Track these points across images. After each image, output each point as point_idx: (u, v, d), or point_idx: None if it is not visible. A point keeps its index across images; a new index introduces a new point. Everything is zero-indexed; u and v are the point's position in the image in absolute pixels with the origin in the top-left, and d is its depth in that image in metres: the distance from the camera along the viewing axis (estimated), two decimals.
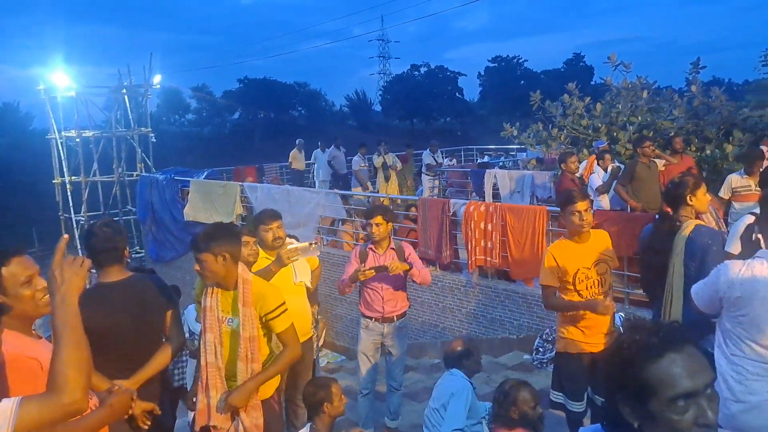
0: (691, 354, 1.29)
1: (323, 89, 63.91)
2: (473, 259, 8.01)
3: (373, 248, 4.95)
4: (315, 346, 5.51)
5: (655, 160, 7.74)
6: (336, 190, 12.23)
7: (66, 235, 2.01)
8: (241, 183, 12.59)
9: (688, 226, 3.52)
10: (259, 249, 4.32)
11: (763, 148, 7.45)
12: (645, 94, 10.63)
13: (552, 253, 3.83)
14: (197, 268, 3.06)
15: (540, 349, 7.00)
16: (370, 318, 5.02)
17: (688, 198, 3.58)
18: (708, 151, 9.44)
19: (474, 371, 4.35)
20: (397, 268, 4.59)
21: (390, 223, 5.00)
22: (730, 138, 9.29)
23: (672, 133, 9.43)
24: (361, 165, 14.76)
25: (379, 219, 4.81)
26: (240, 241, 3.27)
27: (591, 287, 3.81)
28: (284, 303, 3.22)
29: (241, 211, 11.79)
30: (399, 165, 14.64)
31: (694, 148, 9.70)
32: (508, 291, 7.92)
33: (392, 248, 4.96)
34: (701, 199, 3.60)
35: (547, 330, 7.04)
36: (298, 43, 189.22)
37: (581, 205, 3.70)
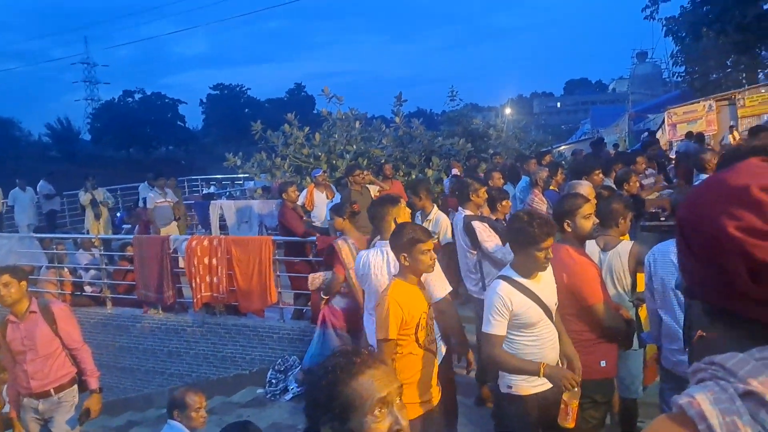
0: (387, 371, 1.50)
1: (17, 117, 55.84)
2: (199, 296, 7.59)
3: (12, 316, 4.18)
4: None
5: (368, 186, 8.25)
6: (33, 234, 10.53)
7: None
8: None
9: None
10: None
11: (455, 170, 8.51)
12: (358, 124, 11.41)
13: (395, 299, 3.19)
14: None
15: (273, 381, 6.86)
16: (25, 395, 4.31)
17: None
18: (413, 176, 10.48)
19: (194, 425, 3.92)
20: None
21: (23, 282, 4.21)
22: (431, 163, 10.45)
23: (383, 160, 10.24)
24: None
25: (6, 278, 4.07)
26: None
27: (429, 334, 3.34)
28: None
29: None
30: (111, 201, 13.24)
31: (402, 174, 10.68)
32: (239, 326, 7.67)
33: (33, 311, 4.22)
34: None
35: (279, 360, 6.96)
36: None
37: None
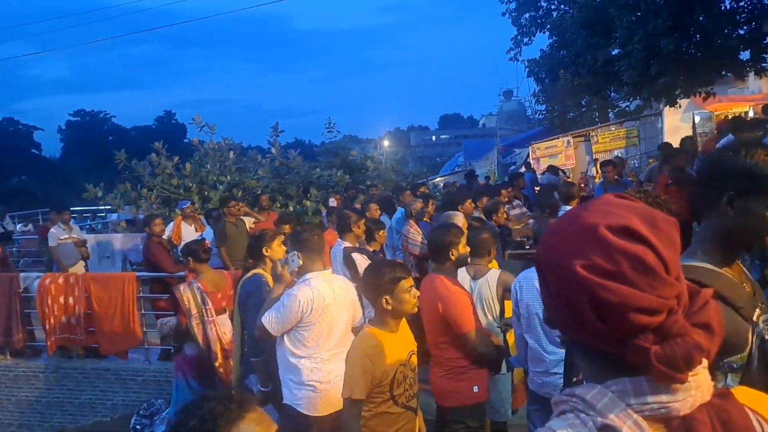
0: (264, 415, 1.40)
1: None
2: (53, 339, 6.95)
3: None
4: None
5: (244, 218, 8.00)
6: None
7: None
8: None
9: (247, 275, 3.72)
10: None
11: (332, 201, 8.48)
12: (232, 155, 11.11)
13: (367, 354, 2.76)
14: None
15: (138, 427, 6.35)
16: None
17: (264, 249, 4.14)
18: (291, 207, 10.32)
19: None
20: None
21: None
22: (309, 195, 10.36)
23: (259, 192, 10.01)
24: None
25: None
26: None
27: (409, 389, 2.93)
28: None
29: None
30: None
31: (279, 205, 10.49)
32: (99, 369, 7.11)
33: None
34: (276, 249, 4.19)
35: (145, 405, 6.46)
36: None
37: (409, 281, 2.89)
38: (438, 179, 26.50)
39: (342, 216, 5.13)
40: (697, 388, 0.82)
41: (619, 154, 20.29)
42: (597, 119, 24.96)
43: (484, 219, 5.68)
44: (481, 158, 31.80)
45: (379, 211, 7.17)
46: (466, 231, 4.76)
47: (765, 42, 12.51)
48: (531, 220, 7.65)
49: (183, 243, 7.55)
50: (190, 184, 10.76)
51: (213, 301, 4.96)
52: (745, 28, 12.56)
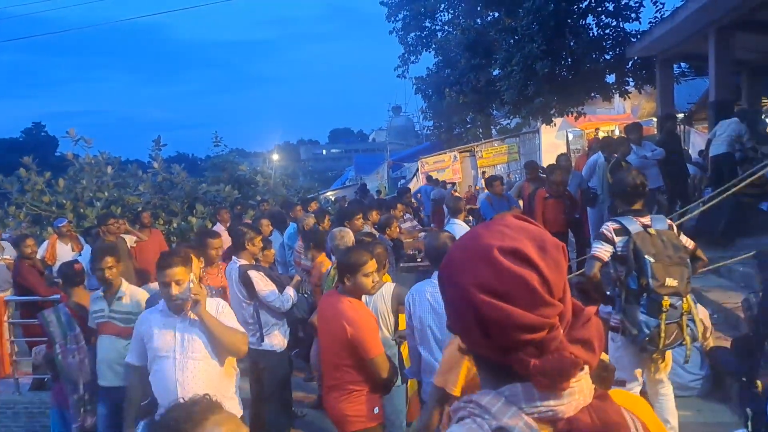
0: (231, 415, 1.43)
1: None
2: None
3: None
4: None
5: (124, 236, 7.55)
6: None
7: None
8: None
9: None
10: None
11: (221, 226, 8.22)
12: (110, 170, 10.47)
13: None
14: None
15: None
16: None
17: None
18: (175, 224, 9.87)
19: None
20: None
21: None
22: (194, 211, 9.96)
23: (140, 208, 9.49)
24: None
25: None
26: None
27: None
28: None
29: None
30: None
31: (162, 222, 9.99)
32: None
33: None
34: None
35: None
36: None
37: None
38: (329, 193, 26.50)
39: (236, 233, 4.95)
40: (579, 392, 0.89)
41: (502, 169, 21.37)
42: (481, 135, 26.13)
43: (376, 234, 5.71)
44: (372, 172, 32.21)
45: (270, 227, 7.03)
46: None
47: (628, 67, 13.70)
48: (422, 234, 7.82)
49: (59, 263, 7.01)
50: (64, 201, 10.00)
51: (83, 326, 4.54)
52: (610, 53, 13.68)
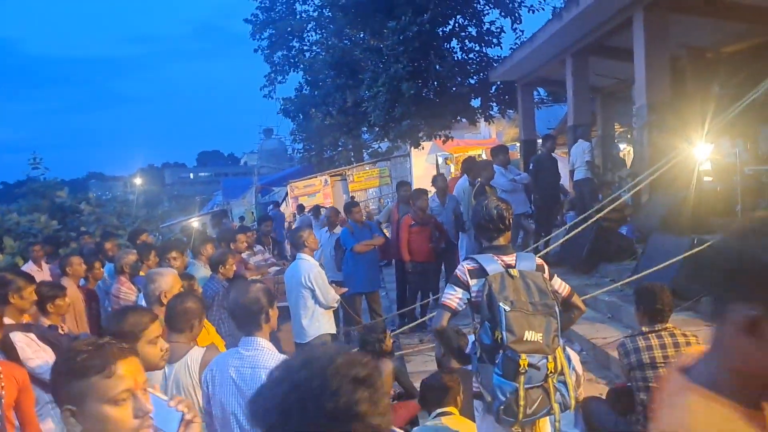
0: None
1: None
2: None
3: None
4: None
5: None
6: None
7: None
8: None
9: None
10: None
11: (35, 267, 6.84)
12: None
13: None
14: None
15: None
16: None
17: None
18: None
19: None
20: None
21: None
22: (2, 246, 8.30)
23: None
24: None
25: None
26: None
27: None
28: None
29: None
30: None
31: None
32: None
33: None
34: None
35: None
36: None
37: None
38: (193, 220, 24.67)
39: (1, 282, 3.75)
40: None
41: (374, 192, 20.96)
42: (353, 159, 25.66)
43: (197, 277, 4.69)
44: (239, 197, 30.74)
45: (83, 266, 5.77)
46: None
47: (491, 91, 13.73)
48: (272, 269, 6.89)
49: None
50: None
51: None
52: (474, 78, 13.65)
